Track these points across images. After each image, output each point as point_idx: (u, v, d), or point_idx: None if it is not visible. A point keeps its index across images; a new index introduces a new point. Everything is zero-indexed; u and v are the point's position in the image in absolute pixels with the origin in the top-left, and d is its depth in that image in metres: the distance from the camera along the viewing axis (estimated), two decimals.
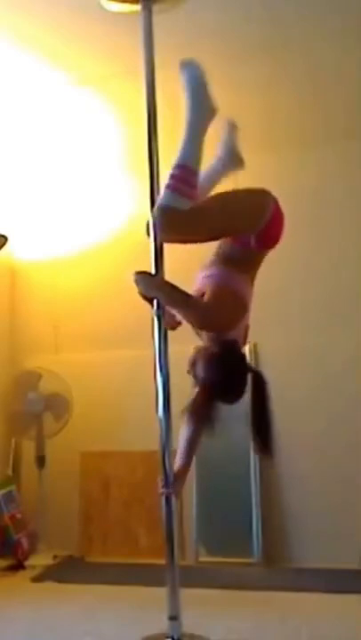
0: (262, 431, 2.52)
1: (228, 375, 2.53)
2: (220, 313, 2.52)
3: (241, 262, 2.58)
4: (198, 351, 2.58)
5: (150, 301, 2.67)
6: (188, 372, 2.61)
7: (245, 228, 2.54)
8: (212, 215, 2.53)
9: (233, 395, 2.54)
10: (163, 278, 2.68)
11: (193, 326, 2.61)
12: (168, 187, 2.43)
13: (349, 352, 4.12)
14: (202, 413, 2.63)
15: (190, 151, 2.43)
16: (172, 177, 2.42)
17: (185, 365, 2.65)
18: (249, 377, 2.53)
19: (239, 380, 2.52)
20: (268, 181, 4.45)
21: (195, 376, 2.59)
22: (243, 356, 2.64)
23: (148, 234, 2.70)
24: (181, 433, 2.76)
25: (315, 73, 3.53)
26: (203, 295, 2.55)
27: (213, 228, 2.55)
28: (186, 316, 2.57)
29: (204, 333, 2.60)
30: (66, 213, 4.82)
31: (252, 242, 2.53)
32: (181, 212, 2.42)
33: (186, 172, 2.41)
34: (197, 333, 2.67)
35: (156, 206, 2.50)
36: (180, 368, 2.65)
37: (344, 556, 3.81)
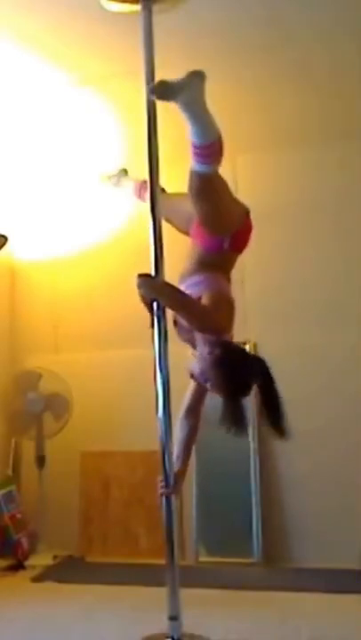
0: (274, 414, 2.52)
1: (238, 371, 2.53)
2: (219, 316, 2.56)
3: (219, 266, 2.68)
4: (201, 359, 2.57)
5: (150, 306, 2.67)
6: (203, 385, 2.63)
7: (229, 221, 2.63)
8: (225, 194, 2.63)
9: (248, 387, 2.55)
10: (164, 281, 2.69)
11: (193, 329, 2.60)
12: (196, 161, 2.48)
13: (350, 352, 4.12)
14: (230, 417, 2.60)
15: (199, 129, 2.45)
16: (195, 154, 2.47)
17: (185, 365, 2.65)
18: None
19: (248, 371, 2.53)
20: (267, 181, 4.49)
21: (204, 382, 2.59)
22: (243, 350, 2.67)
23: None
24: (177, 432, 2.76)
25: (314, 73, 3.53)
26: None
27: (221, 207, 2.62)
28: (187, 319, 2.58)
29: (198, 338, 2.60)
30: (66, 213, 4.82)
31: (226, 244, 2.64)
32: (211, 176, 2.51)
33: (204, 149, 2.46)
34: (187, 339, 2.68)
35: (191, 174, 2.54)
36: (180, 368, 2.65)
37: (344, 556, 3.81)
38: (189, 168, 2.50)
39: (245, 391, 2.54)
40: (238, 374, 2.52)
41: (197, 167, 2.48)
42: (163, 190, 2.92)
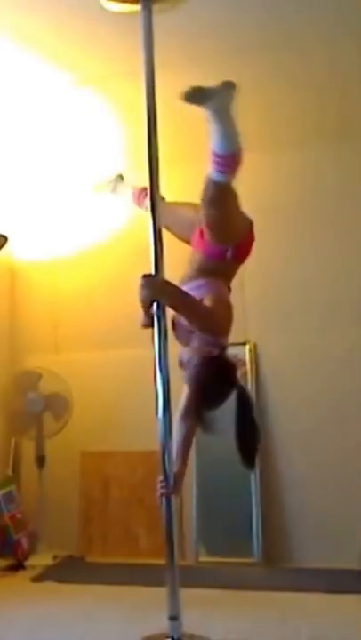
0: (247, 447, 2.58)
1: (221, 381, 2.57)
2: (221, 317, 2.59)
3: (220, 273, 2.72)
4: (194, 351, 2.59)
5: (147, 309, 2.68)
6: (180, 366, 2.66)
7: (235, 232, 2.67)
8: (235, 206, 2.65)
9: (218, 401, 2.58)
10: (168, 281, 2.69)
11: (194, 329, 2.60)
12: (215, 170, 2.49)
13: (349, 352, 4.12)
14: (195, 413, 2.64)
15: (224, 139, 2.48)
16: (216, 163, 2.49)
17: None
18: (235, 391, 2.58)
19: (228, 388, 2.57)
20: (266, 181, 4.49)
21: (186, 372, 2.61)
22: (236, 369, 2.69)
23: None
24: (175, 434, 2.77)
25: (314, 73, 3.53)
26: None
27: (230, 217, 2.64)
28: (189, 319, 2.59)
29: (195, 338, 2.61)
30: (66, 213, 4.82)
31: (229, 254, 2.67)
32: (226, 185, 2.53)
33: (225, 159, 2.48)
34: (185, 342, 2.69)
35: (207, 181, 2.55)
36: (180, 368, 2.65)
37: (344, 556, 3.81)
38: (206, 176, 2.52)
39: (213, 402, 2.57)
40: (219, 383, 2.55)
41: (216, 176, 2.50)
42: (162, 199, 2.93)
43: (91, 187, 3.76)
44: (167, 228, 2.88)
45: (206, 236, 2.67)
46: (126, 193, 3.40)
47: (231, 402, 2.60)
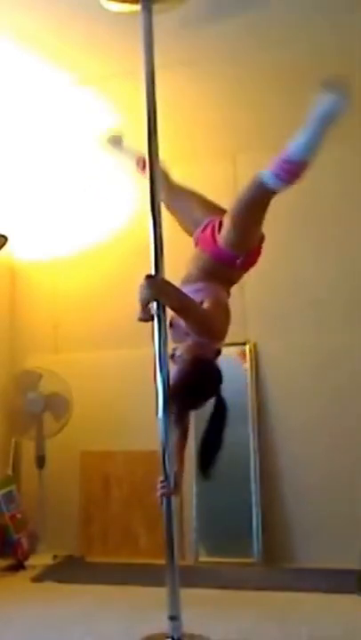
0: (207, 458, 2.62)
1: (204, 385, 2.58)
2: (218, 321, 2.59)
3: (225, 278, 2.72)
4: (188, 349, 2.60)
5: (145, 307, 2.69)
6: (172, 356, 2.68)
7: (252, 242, 2.67)
8: (262, 217, 2.62)
9: (194, 402, 2.62)
10: (168, 282, 2.69)
11: (192, 331, 2.60)
12: (276, 174, 2.41)
13: (350, 352, 4.11)
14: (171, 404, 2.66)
15: (307, 145, 2.39)
16: (282, 168, 2.39)
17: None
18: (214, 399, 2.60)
19: (208, 394, 2.58)
20: None
21: (176, 365, 2.63)
22: (221, 381, 2.66)
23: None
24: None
25: (312, 73, 3.52)
26: None
27: (257, 225, 2.64)
28: (187, 321, 2.59)
29: (190, 339, 2.62)
30: (66, 213, 4.82)
31: (239, 261, 2.66)
32: (274, 194, 2.47)
33: (295, 165, 2.41)
34: (178, 341, 2.70)
35: (256, 180, 2.48)
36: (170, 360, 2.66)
37: (344, 556, 3.80)
38: (257, 175, 2.44)
39: (189, 401, 2.60)
40: (202, 387, 2.56)
41: (272, 180, 2.40)
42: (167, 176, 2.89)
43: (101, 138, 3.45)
44: (167, 208, 2.86)
45: (218, 237, 2.64)
46: (129, 155, 3.21)
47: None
